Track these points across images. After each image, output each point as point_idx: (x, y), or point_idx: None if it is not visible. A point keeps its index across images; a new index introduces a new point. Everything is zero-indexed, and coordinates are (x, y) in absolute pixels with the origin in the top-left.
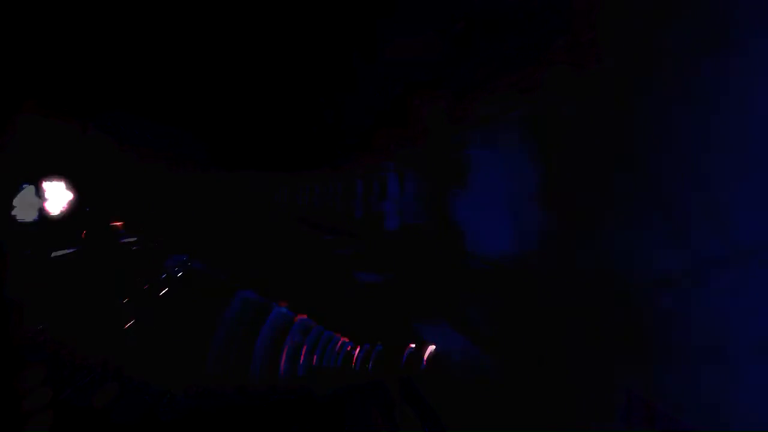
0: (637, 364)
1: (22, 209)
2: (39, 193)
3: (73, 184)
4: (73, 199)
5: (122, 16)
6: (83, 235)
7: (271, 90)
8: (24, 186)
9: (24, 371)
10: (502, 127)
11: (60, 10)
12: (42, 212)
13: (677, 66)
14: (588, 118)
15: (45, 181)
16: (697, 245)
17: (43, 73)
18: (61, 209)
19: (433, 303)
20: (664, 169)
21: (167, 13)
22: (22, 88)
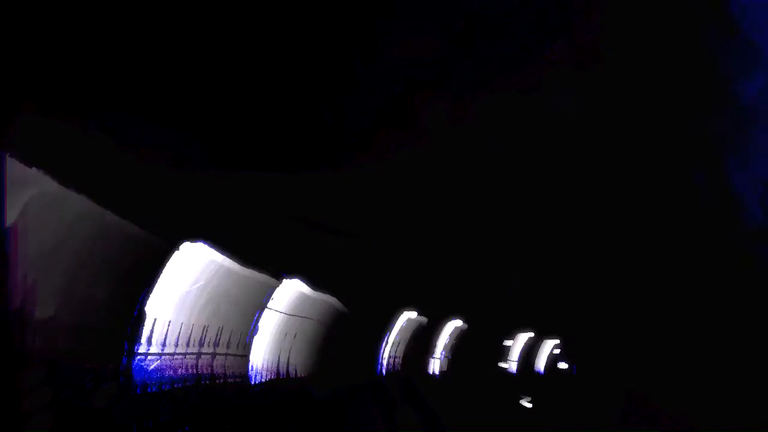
0: None
1: None
2: None
3: None
4: None
5: (122, 15)
6: None
7: (271, 90)
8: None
9: (24, 371)
10: None
11: (60, 10)
12: None
13: None
14: None
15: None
16: None
17: (43, 73)
18: None
19: None
20: None
21: (167, 12)
22: (22, 88)
